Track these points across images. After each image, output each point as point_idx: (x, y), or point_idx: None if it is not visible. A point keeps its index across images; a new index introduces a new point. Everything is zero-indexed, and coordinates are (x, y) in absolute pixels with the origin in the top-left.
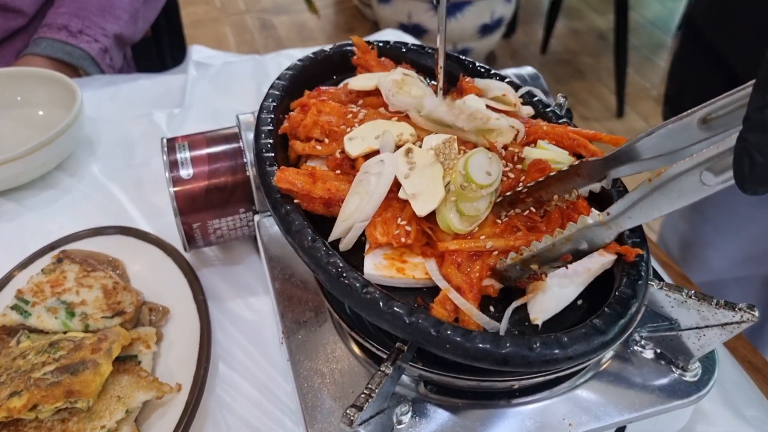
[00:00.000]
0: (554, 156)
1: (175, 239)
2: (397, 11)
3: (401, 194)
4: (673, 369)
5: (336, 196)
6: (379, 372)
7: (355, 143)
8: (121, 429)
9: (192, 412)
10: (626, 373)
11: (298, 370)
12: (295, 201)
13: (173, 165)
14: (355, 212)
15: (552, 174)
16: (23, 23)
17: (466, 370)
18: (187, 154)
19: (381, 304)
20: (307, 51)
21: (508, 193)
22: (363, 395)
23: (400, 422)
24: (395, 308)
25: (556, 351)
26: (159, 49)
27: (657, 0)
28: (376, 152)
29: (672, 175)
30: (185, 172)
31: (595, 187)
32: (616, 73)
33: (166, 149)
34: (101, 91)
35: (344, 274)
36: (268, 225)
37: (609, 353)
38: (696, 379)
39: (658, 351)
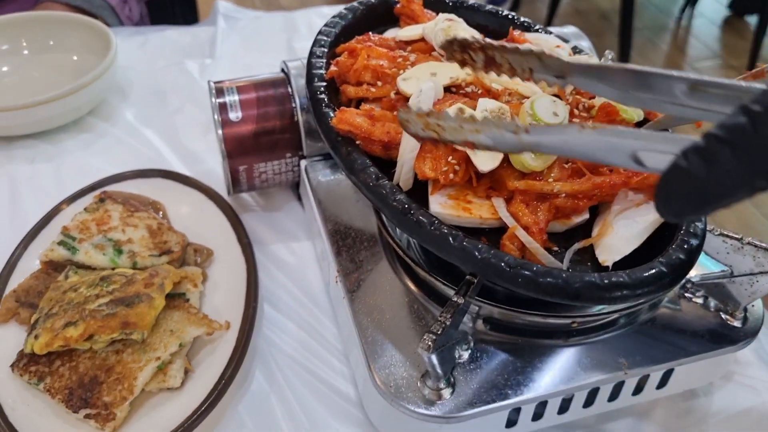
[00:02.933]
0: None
1: (215, 186)
2: None
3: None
4: (723, 315)
5: (395, 139)
6: (451, 301)
7: (410, 83)
8: (174, 362)
9: (243, 348)
10: (678, 318)
11: (356, 306)
12: (357, 142)
13: (222, 107)
14: (406, 145)
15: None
16: None
17: (529, 304)
18: (236, 97)
19: (451, 239)
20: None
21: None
22: (438, 323)
23: (460, 357)
24: (465, 243)
25: (626, 288)
26: (172, 8)
27: None
28: None
29: None
30: (234, 115)
31: None
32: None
33: (214, 91)
34: (130, 39)
35: (412, 212)
36: (318, 170)
37: (663, 298)
38: (744, 325)
39: (708, 297)
